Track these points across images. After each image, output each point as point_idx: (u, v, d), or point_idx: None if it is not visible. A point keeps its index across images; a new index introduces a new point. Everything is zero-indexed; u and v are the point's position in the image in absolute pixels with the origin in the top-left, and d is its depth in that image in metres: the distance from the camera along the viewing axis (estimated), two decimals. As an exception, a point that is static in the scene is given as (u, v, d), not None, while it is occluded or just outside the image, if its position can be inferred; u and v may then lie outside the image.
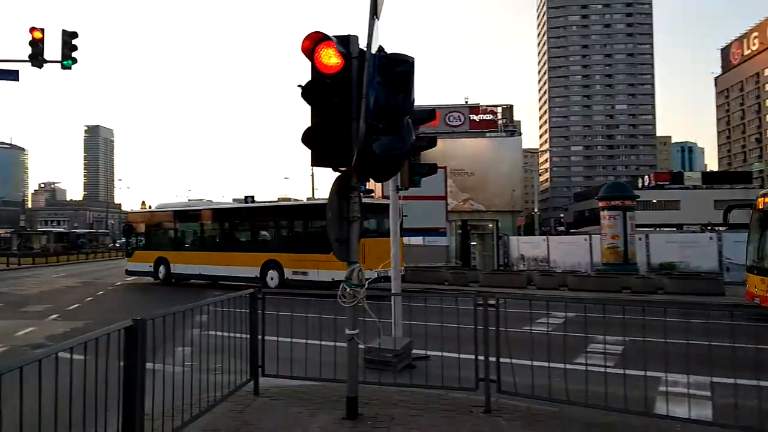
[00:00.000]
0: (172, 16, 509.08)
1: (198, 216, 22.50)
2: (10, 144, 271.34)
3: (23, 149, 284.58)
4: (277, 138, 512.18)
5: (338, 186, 5.30)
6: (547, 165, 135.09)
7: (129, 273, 23.71)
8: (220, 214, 21.84)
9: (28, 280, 24.62)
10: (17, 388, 2.78)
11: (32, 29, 17.97)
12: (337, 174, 5.33)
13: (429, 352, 6.43)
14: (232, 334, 5.79)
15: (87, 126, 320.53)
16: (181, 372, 4.91)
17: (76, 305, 15.24)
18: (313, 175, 37.49)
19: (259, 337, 6.16)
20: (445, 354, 6.12)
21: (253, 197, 24.33)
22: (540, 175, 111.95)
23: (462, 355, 5.71)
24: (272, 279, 18.35)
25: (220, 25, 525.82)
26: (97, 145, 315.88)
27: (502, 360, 5.40)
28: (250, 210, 21.15)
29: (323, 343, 6.26)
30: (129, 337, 3.99)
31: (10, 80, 18.89)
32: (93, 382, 3.53)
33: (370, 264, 13.47)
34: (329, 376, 6.00)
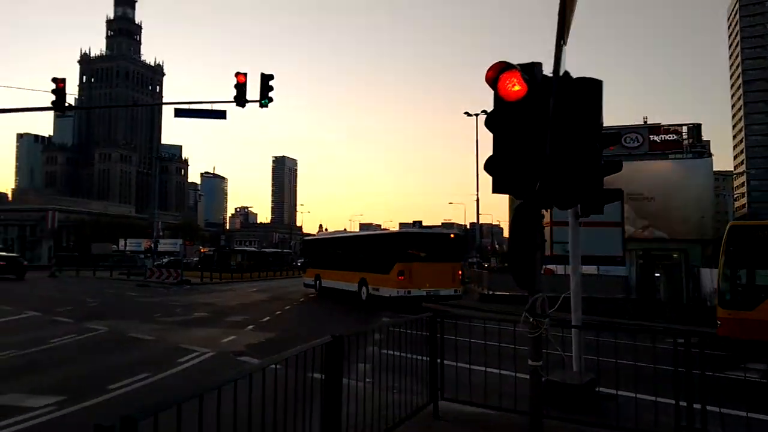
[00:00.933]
0: (346, 52, 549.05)
1: (328, 242, 28.75)
2: (214, 173, 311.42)
3: (224, 178, 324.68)
4: (445, 163, 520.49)
5: (521, 214, 5.27)
6: (744, 189, 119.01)
7: (305, 285, 29.02)
8: (339, 241, 27.24)
9: (228, 293, 27.88)
10: (231, 398, 3.06)
11: (237, 74, 20.59)
12: (519, 202, 5.31)
13: (617, 391, 6.01)
14: (408, 355, 5.99)
15: (274, 157, 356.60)
16: (362, 387, 5.19)
17: (268, 318, 16.89)
18: (477, 201, 37.48)
19: (438, 360, 6.30)
20: (639, 396, 5.66)
21: (420, 222, 30.20)
22: (735, 200, 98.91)
23: (657, 398, 5.25)
24: (363, 293, 22.12)
25: (398, 53, 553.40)
26: (283, 174, 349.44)
27: (709, 408, 4.86)
28: (349, 239, 26.74)
29: (503, 372, 6.19)
30: (330, 351, 4.36)
31: (220, 119, 21.78)
32: (293, 393, 3.89)
33: (419, 284, 19.43)
34: (509, 406, 5.91)
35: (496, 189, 5.40)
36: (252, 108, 20.92)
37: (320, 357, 4.22)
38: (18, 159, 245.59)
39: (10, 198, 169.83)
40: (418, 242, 20.82)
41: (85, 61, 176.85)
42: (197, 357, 10.29)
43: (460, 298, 20.99)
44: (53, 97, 20.32)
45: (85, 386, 7.88)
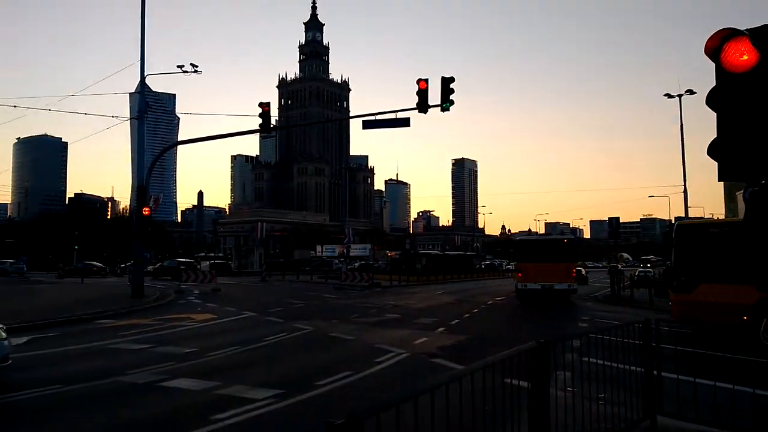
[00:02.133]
0: (522, 44, 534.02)
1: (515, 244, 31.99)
2: (397, 180, 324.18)
3: (407, 184, 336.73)
4: (641, 154, 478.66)
5: (757, 203, 4.47)
6: None
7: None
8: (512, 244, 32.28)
9: (416, 295, 28.68)
10: (437, 401, 3.01)
11: (419, 81, 21.08)
12: (753, 190, 4.51)
13: None
14: (614, 364, 5.45)
15: (454, 160, 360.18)
16: (567, 397, 4.83)
17: (456, 320, 16.95)
18: (685, 192, 33.54)
19: (655, 372, 5.65)
20: None
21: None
22: None
23: None
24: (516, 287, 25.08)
25: (578, 39, 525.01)
26: (462, 176, 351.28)
27: None
28: (507, 243, 32.29)
29: (737, 387, 5.33)
30: (535, 358, 4.12)
31: (403, 127, 22.49)
32: (500, 399, 3.72)
33: (533, 279, 23.58)
34: (746, 427, 5.06)
35: (723, 176, 4.66)
36: (432, 112, 21.29)
37: (520, 363, 4.00)
38: (232, 178, 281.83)
39: (227, 212, 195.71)
40: (533, 247, 25.60)
41: (283, 85, 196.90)
42: (393, 357, 10.64)
43: (575, 292, 25.01)
44: (260, 120, 22.86)
45: (298, 381, 8.58)
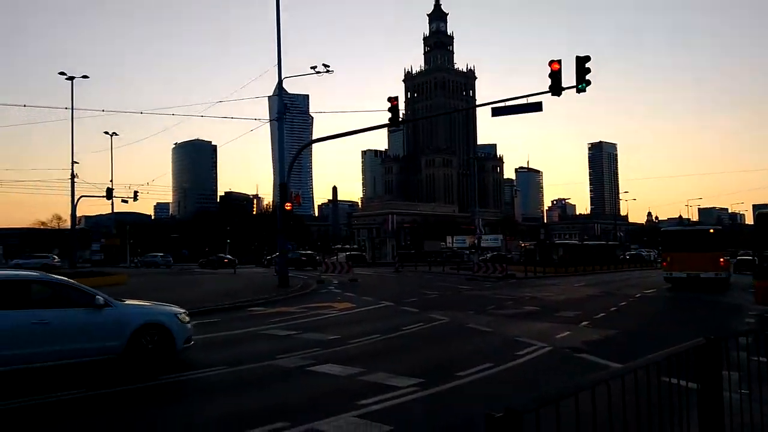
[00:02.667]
0: (659, 20, 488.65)
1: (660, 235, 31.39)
2: (528, 168, 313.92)
3: (538, 171, 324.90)
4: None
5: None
6: None
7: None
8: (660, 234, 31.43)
9: (554, 287, 27.59)
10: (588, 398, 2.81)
11: (551, 62, 20.14)
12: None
13: None
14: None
15: (590, 144, 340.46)
16: (739, 399, 4.31)
17: (602, 314, 16.01)
18: None
19: None
20: None
21: None
22: None
23: None
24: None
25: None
26: (601, 161, 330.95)
27: None
28: (667, 232, 28.45)
29: None
30: (704, 356, 3.74)
31: (535, 112, 21.65)
32: (665, 400, 3.43)
33: (679, 268, 24.97)
34: None
35: None
36: (565, 95, 20.25)
37: (688, 362, 3.64)
38: (363, 172, 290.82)
39: (360, 206, 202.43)
40: (678, 237, 26.32)
41: (408, 78, 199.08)
42: (534, 351, 10.32)
43: (727, 282, 24.99)
44: (388, 115, 23.28)
45: (438, 371, 8.64)
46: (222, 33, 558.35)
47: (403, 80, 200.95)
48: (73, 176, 44.86)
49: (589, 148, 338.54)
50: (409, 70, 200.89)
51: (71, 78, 42.23)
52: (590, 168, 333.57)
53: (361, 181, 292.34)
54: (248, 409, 6.93)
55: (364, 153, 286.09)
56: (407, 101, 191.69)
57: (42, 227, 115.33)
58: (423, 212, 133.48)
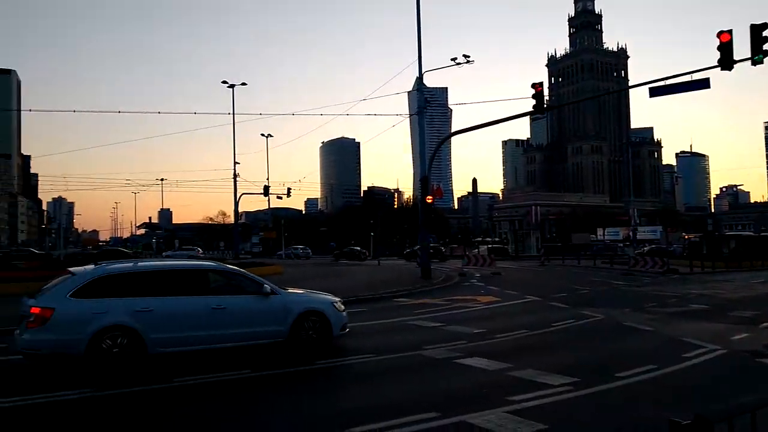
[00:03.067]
0: None
1: None
2: (691, 152, 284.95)
3: (704, 155, 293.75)
4: None
5: None
6: None
7: None
8: None
9: (725, 284, 24.70)
10: None
11: (721, 33, 18.01)
12: None
13: None
14: None
15: (767, 122, 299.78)
16: None
17: (788, 315, 14.01)
18: None
19: None
20: None
21: None
22: None
23: None
24: None
25: None
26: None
27: None
28: None
29: None
30: None
31: (701, 89, 19.52)
32: None
33: None
34: None
35: None
36: (737, 69, 17.92)
37: None
38: (504, 163, 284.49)
39: (501, 197, 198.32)
40: None
41: (552, 62, 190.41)
42: (704, 353, 9.29)
43: None
44: (532, 102, 22.40)
45: (593, 370, 8.13)
46: (364, 32, 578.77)
47: (546, 65, 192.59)
48: (235, 176, 49.38)
49: (766, 127, 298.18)
50: (553, 53, 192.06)
51: (232, 86, 46.40)
52: (767, 149, 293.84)
53: (501, 172, 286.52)
54: (397, 397, 7.07)
55: (505, 143, 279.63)
56: (551, 87, 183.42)
57: (210, 222, 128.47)
58: (569, 203, 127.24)
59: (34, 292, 8.63)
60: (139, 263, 9.83)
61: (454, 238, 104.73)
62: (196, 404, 6.99)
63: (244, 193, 53.25)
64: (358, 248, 66.55)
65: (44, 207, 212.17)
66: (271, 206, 65.66)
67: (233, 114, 47.61)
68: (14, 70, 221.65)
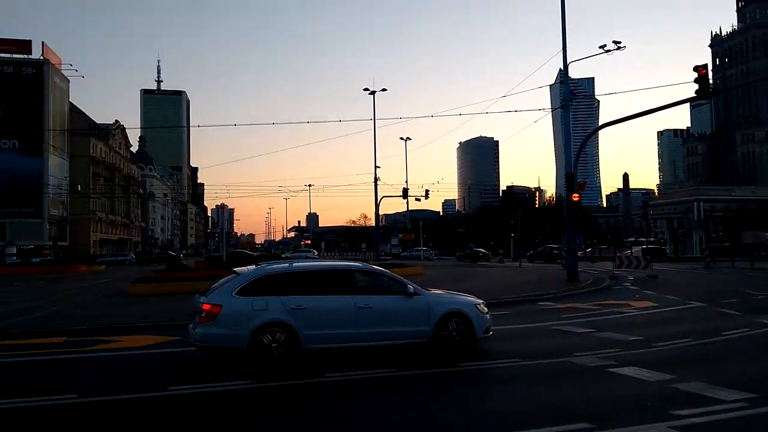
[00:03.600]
0: None
1: None
2: None
3: None
4: None
5: None
6: None
7: None
8: None
9: None
10: None
11: None
12: None
13: None
14: None
15: None
16: None
17: None
18: None
19: None
20: None
21: None
22: None
23: None
24: None
25: None
26: None
27: None
28: None
29: None
30: None
31: None
32: None
33: None
34: None
35: None
36: None
37: None
38: (660, 155, 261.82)
39: (656, 193, 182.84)
40: None
41: (716, 42, 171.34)
42: None
43: None
44: (694, 87, 20.32)
45: (776, 387, 7.15)
46: (502, 28, 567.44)
47: (710, 45, 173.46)
48: (376, 179, 51.07)
49: None
50: (717, 32, 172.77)
51: (373, 92, 48.05)
52: None
53: (657, 166, 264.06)
54: (545, 404, 6.78)
55: (661, 134, 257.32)
56: (715, 69, 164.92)
57: (352, 225, 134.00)
58: (739, 197, 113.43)
59: (204, 289, 9.60)
60: (294, 264, 10.50)
61: (602, 239, 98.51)
62: (346, 398, 7.29)
63: (384, 197, 54.81)
64: (482, 250, 66.37)
65: (209, 213, 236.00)
66: (409, 208, 66.86)
67: (374, 119, 49.19)
68: (184, 91, 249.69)
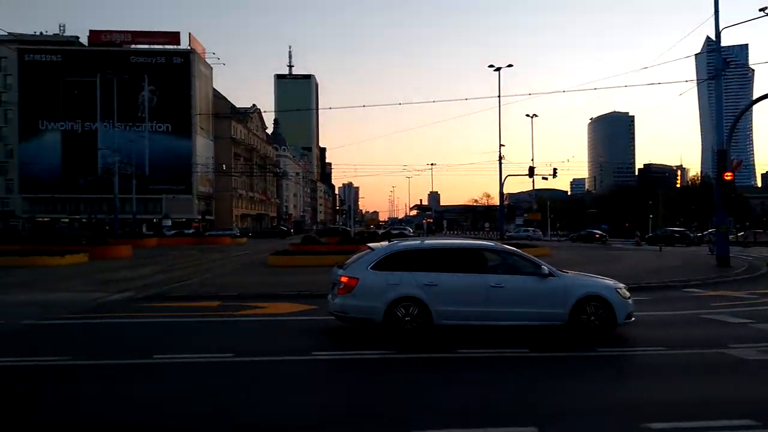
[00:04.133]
0: None
1: None
2: None
3: None
4: None
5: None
6: None
7: None
8: None
9: None
10: None
11: None
12: None
13: None
14: None
15: None
16: None
17: None
18: None
19: None
20: None
21: None
22: None
23: None
24: None
25: None
26: None
27: None
28: None
29: None
30: None
31: None
32: None
33: None
34: None
35: None
36: None
37: None
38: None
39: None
40: None
41: None
42: None
43: None
44: None
45: None
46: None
47: None
48: (500, 158, 49.88)
49: None
50: None
51: (498, 69, 46.74)
52: None
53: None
54: (696, 396, 6.32)
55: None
56: None
57: (474, 204, 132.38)
58: None
59: (341, 263, 10.09)
60: (426, 241, 10.64)
61: (756, 222, 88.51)
62: (478, 374, 7.34)
63: (508, 175, 53.58)
64: (598, 232, 62.89)
65: (336, 191, 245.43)
66: (535, 187, 64.64)
67: (499, 96, 47.91)
68: (313, 75, 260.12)
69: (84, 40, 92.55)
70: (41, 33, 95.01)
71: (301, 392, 6.57)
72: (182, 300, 14.14)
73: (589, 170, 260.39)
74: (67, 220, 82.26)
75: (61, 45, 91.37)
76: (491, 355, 8.13)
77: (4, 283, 17.49)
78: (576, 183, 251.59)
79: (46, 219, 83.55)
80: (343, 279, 9.22)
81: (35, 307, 12.47)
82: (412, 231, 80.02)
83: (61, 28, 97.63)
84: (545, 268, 9.38)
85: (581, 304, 9.14)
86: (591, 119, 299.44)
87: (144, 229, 69.52)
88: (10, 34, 57.58)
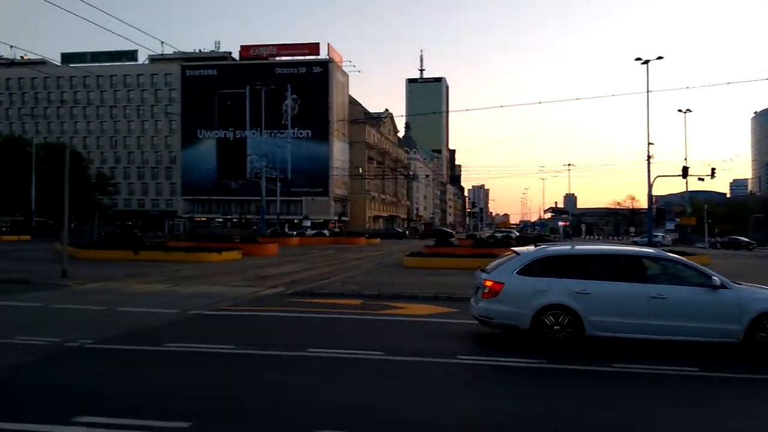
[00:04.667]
0: None
1: None
2: None
3: None
4: None
5: None
6: None
7: None
8: None
9: None
10: None
11: None
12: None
13: None
14: None
15: None
16: None
17: None
18: None
19: None
20: None
21: None
22: None
23: None
24: None
25: None
26: None
27: None
28: None
29: None
30: None
31: None
32: None
33: None
34: None
35: None
36: None
37: None
38: None
39: None
40: None
41: None
42: None
43: None
44: None
45: None
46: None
47: None
48: (648, 157, 46.17)
49: None
50: None
51: (646, 62, 43.33)
52: None
53: None
54: None
55: None
56: None
57: (617, 207, 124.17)
58: None
59: (485, 266, 9.91)
60: (576, 247, 10.13)
61: None
62: (641, 390, 6.79)
63: (658, 176, 49.35)
64: (744, 239, 58.00)
65: (465, 194, 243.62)
66: (688, 189, 59.07)
67: (647, 92, 44.34)
68: (443, 78, 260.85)
69: (236, 54, 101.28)
70: (200, 50, 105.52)
71: (450, 395, 6.52)
72: (327, 297, 14.81)
73: (752, 169, 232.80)
74: (221, 219, 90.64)
75: (216, 60, 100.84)
76: (653, 372, 7.49)
77: (176, 276, 19.55)
78: (737, 184, 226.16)
79: (203, 219, 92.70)
80: (488, 283, 9.05)
81: (201, 299, 13.77)
82: (517, 233, 76.91)
83: (216, 45, 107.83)
84: (716, 279, 8.47)
85: (761, 320, 8.13)
86: (755, 113, 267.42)
87: (286, 229, 74.25)
88: (175, 52, 64.55)
